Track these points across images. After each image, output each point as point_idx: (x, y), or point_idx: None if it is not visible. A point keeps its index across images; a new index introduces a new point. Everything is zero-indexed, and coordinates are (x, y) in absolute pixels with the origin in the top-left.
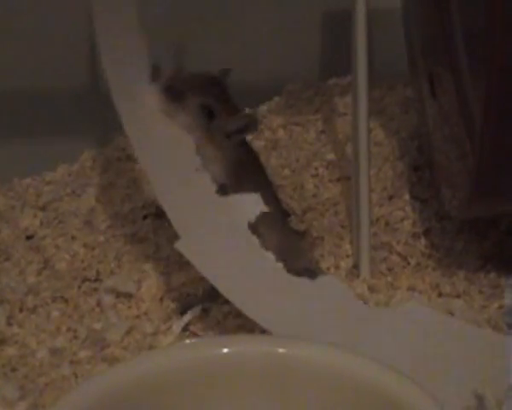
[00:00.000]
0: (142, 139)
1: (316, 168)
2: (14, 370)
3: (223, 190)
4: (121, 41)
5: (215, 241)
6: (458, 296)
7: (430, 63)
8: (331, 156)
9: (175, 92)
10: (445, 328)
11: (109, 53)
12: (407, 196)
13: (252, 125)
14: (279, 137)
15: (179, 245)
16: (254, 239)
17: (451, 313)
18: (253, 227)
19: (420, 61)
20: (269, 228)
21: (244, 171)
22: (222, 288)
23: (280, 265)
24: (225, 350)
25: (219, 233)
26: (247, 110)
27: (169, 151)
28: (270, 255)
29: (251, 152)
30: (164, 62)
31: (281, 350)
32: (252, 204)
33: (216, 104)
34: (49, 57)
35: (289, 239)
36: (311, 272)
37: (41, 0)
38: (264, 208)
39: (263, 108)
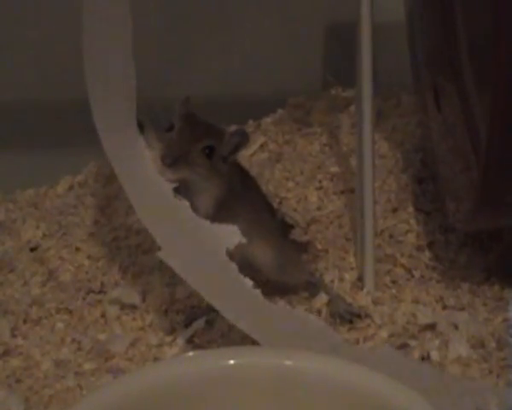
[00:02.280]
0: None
1: (320, 181)
2: (18, 381)
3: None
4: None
5: (195, 257)
6: (462, 309)
7: (435, 76)
8: (335, 169)
9: (179, 159)
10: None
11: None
12: (411, 209)
13: (243, 140)
14: (283, 149)
15: (161, 254)
16: (233, 265)
17: (456, 326)
18: (231, 255)
19: (424, 73)
20: (261, 225)
21: (238, 191)
22: (202, 293)
23: (257, 291)
24: (232, 362)
25: (199, 251)
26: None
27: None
28: (248, 281)
29: (243, 171)
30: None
31: (287, 362)
32: (231, 234)
33: (211, 138)
34: (53, 68)
35: (287, 253)
36: (313, 285)
37: (45, 11)
38: (243, 240)
39: (266, 120)
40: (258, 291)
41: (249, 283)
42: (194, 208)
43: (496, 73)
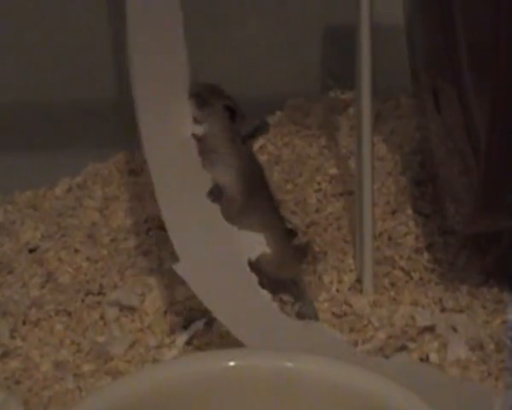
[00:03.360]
0: (157, 155)
1: (319, 183)
2: (17, 383)
3: (213, 195)
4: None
5: (214, 270)
6: (461, 311)
7: (434, 78)
8: (334, 171)
9: (203, 98)
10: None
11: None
12: (410, 211)
13: (263, 127)
14: (282, 151)
15: (177, 267)
16: (253, 276)
17: (454, 328)
18: (253, 265)
19: (423, 76)
20: (274, 227)
21: (255, 186)
22: (217, 314)
23: (275, 305)
24: (232, 363)
25: (219, 262)
26: None
27: (181, 172)
28: (267, 295)
29: (260, 167)
30: None
31: (288, 364)
32: (254, 242)
33: (235, 106)
34: (52, 70)
35: (288, 252)
36: (295, 283)
37: (44, 12)
38: (266, 250)
39: None
40: (275, 305)
41: (268, 296)
42: (218, 183)
43: (495, 76)
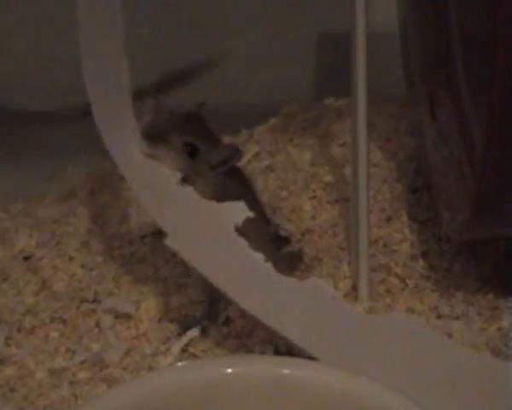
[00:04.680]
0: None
1: (314, 190)
2: (12, 390)
3: (183, 180)
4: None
5: (203, 238)
6: (457, 318)
7: (429, 86)
8: (329, 178)
9: (157, 135)
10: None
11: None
12: (405, 218)
13: (235, 155)
14: (276, 158)
15: (168, 241)
16: (242, 240)
17: (450, 335)
18: (240, 230)
19: (418, 83)
20: (256, 233)
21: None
22: (213, 279)
23: (269, 264)
24: (229, 370)
25: (206, 232)
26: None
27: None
28: (259, 255)
29: (237, 179)
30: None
31: (285, 371)
32: (237, 210)
33: (198, 140)
34: (45, 78)
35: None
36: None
37: (36, 17)
38: (250, 214)
39: (259, 129)
40: (269, 265)
41: (260, 257)
42: None
43: (492, 83)
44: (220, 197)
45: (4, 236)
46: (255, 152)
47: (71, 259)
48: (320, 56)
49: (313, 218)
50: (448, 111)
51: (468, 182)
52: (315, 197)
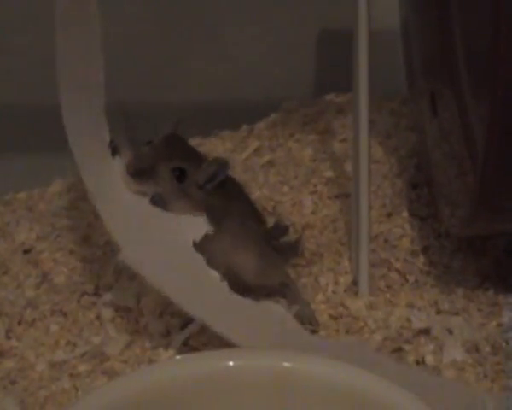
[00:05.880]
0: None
1: (314, 185)
2: (13, 383)
3: (153, 201)
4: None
5: (160, 254)
6: (457, 314)
7: (431, 82)
8: (329, 173)
9: (143, 169)
10: None
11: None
12: (406, 214)
13: (221, 168)
14: (277, 154)
15: (121, 256)
16: (199, 256)
17: (450, 331)
18: (198, 246)
19: (420, 79)
20: (246, 236)
21: (222, 212)
22: (168, 293)
23: (225, 284)
24: (230, 363)
25: (163, 247)
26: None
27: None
28: (215, 274)
29: (226, 191)
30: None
31: (286, 364)
32: (196, 224)
33: (185, 162)
34: (45, 71)
35: (269, 259)
36: (286, 286)
37: (32, 15)
38: (209, 229)
39: (260, 125)
40: (224, 284)
41: (216, 275)
42: None
43: (494, 79)
44: (211, 213)
45: (5, 229)
46: (256, 147)
47: (71, 252)
48: (321, 53)
49: (314, 213)
50: (450, 107)
51: (469, 178)
52: (315, 192)
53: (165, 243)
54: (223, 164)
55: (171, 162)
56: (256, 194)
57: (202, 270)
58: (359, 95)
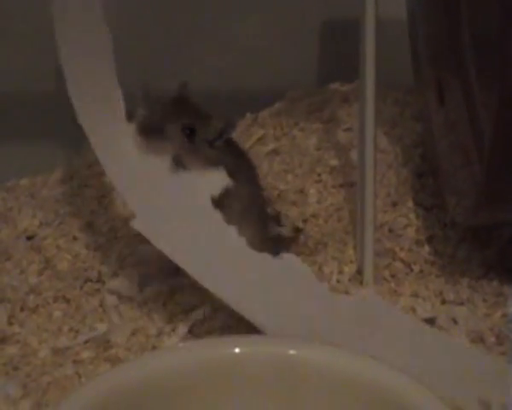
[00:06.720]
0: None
1: (319, 174)
2: (16, 369)
3: (177, 163)
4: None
5: (173, 217)
6: (462, 304)
7: (438, 71)
8: (334, 162)
9: (153, 128)
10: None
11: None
12: (411, 203)
13: (229, 125)
14: (282, 142)
15: (135, 223)
16: (216, 214)
17: (455, 321)
18: (217, 201)
19: (427, 69)
20: (236, 200)
21: (236, 167)
22: (180, 262)
23: (242, 239)
24: (237, 350)
25: (178, 210)
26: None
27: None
28: (232, 230)
29: (237, 154)
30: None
31: (291, 351)
32: (215, 178)
33: (194, 120)
34: (48, 57)
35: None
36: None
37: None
38: (230, 182)
39: (264, 113)
40: (242, 239)
41: (233, 232)
42: None
43: (502, 68)
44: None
45: (8, 215)
46: (260, 136)
47: (74, 239)
48: (326, 41)
49: (318, 202)
50: (457, 97)
51: (475, 168)
52: (320, 181)
53: (179, 208)
54: (230, 121)
55: (180, 120)
56: (260, 182)
57: (219, 230)
58: (366, 84)
